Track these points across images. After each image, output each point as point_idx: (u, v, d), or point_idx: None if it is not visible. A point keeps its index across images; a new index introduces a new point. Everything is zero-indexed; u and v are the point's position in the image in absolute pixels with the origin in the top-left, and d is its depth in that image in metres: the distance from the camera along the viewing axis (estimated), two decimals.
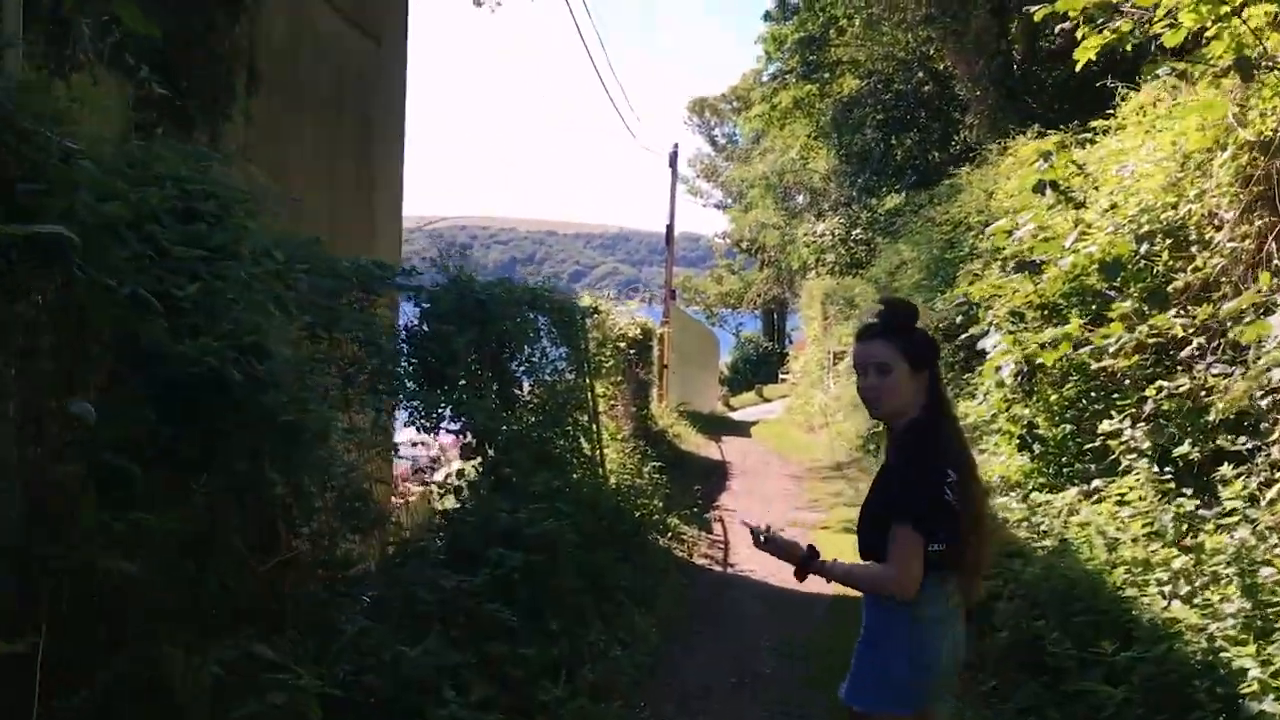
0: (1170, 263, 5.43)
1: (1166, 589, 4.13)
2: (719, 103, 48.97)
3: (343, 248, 6.10)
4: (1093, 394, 5.76)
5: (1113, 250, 5.52)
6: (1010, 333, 6.08)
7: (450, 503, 6.22)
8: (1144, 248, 5.55)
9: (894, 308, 3.00)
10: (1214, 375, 4.96)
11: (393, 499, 6.62)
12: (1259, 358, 4.78)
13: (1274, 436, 4.38)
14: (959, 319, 7.91)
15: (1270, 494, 4.08)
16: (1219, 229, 5.22)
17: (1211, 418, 4.85)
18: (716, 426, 22.56)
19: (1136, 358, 5.29)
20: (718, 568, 9.76)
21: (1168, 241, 5.46)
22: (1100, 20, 4.24)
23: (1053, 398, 6.15)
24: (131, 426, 2.48)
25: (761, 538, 3.01)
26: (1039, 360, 5.49)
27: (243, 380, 2.84)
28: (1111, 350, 5.26)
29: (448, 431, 6.83)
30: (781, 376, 36.78)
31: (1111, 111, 7.38)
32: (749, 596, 8.69)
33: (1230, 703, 3.42)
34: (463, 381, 6.85)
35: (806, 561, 2.87)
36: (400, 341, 5.86)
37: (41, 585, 2.32)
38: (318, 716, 3.09)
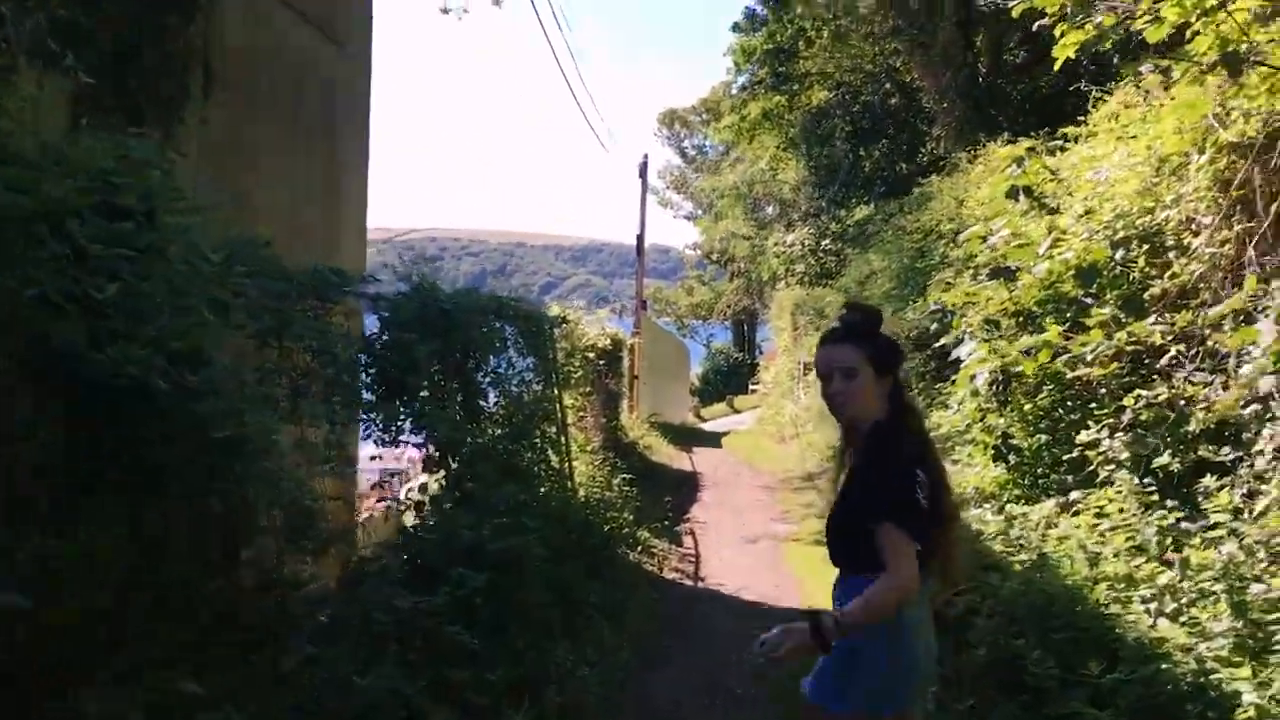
0: (1147, 269, 5.32)
1: (1152, 606, 3.98)
2: (689, 114, 49.02)
3: (304, 256, 5.88)
4: (1069, 403, 5.64)
5: (1088, 256, 5.40)
6: (985, 341, 5.95)
7: (413, 518, 6.00)
8: (1119, 254, 5.45)
9: (859, 312, 2.99)
10: (1193, 384, 4.84)
11: (357, 515, 6.40)
12: (1239, 365, 4.68)
13: (1257, 447, 4.26)
14: (933, 327, 7.78)
15: (1258, 506, 3.96)
16: (1197, 234, 5.12)
17: (1192, 427, 4.73)
18: (687, 437, 22.41)
19: (1114, 366, 5.17)
20: (688, 581, 9.57)
21: (1144, 248, 5.36)
22: (1080, 16, 4.12)
23: (1027, 407, 6.03)
24: (41, 442, 2.26)
25: (762, 655, 2.69)
26: (1018, 369, 5.36)
27: (170, 390, 2.63)
28: (1089, 359, 5.14)
29: (412, 445, 6.62)
30: (752, 387, 36.73)
31: (1082, 119, 7.30)
32: (720, 611, 8.51)
33: None
34: (425, 392, 6.64)
35: (818, 630, 2.62)
36: (358, 351, 5.63)
37: None
38: None
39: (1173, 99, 5.15)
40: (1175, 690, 3.48)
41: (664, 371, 25.94)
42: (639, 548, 9.78)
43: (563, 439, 9.64)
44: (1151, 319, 4.96)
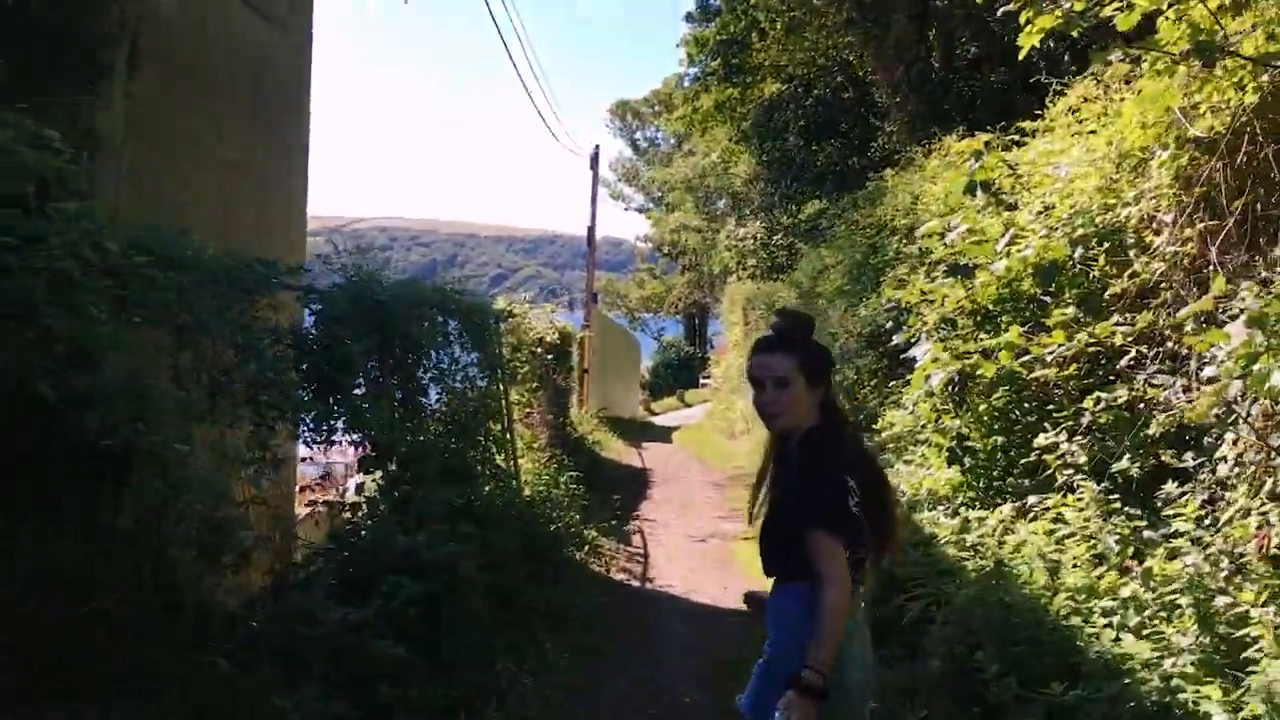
0: (1107, 268, 5.18)
1: (1115, 619, 3.82)
2: (641, 106, 48.75)
3: (240, 246, 5.56)
4: (1026, 405, 5.49)
5: (1048, 254, 5.25)
6: (941, 341, 5.78)
7: (346, 523, 5.71)
8: (1078, 252, 5.30)
9: (791, 319, 3.00)
10: (1154, 386, 4.70)
11: (291, 520, 6.09)
12: (1200, 368, 4.54)
13: (1220, 452, 4.12)
14: (887, 324, 7.61)
15: (1225, 515, 3.81)
16: (1158, 233, 4.98)
17: (1152, 431, 4.59)
18: (638, 433, 22.24)
19: (1073, 367, 5.02)
20: (636, 583, 9.36)
21: (1104, 246, 5.21)
22: (1047, 2, 3.95)
23: (982, 408, 5.87)
24: None
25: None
26: (979, 371, 5.19)
27: (56, 397, 2.34)
28: (1049, 360, 4.99)
29: (350, 445, 6.33)
30: (703, 381, 36.65)
31: (1039, 113, 7.17)
32: (670, 614, 8.31)
33: None
34: (360, 390, 6.35)
35: (809, 689, 2.55)
36: (287, 346, 5.33)
37: None
38: None
39: (1136, 93, 5.01)
40: (1140, 708, 3.32)
41: (614, 365, 25.73)
42: (586, 548, 9.55)
43: (508, 436, 9.37)
44: (1115, 319, 4.81)
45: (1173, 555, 3.94)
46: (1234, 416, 4.12)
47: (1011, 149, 6.74)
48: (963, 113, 16.17)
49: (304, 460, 5.76)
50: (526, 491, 9.37)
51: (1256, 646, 3.27)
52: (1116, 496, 4.39)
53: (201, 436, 4.41)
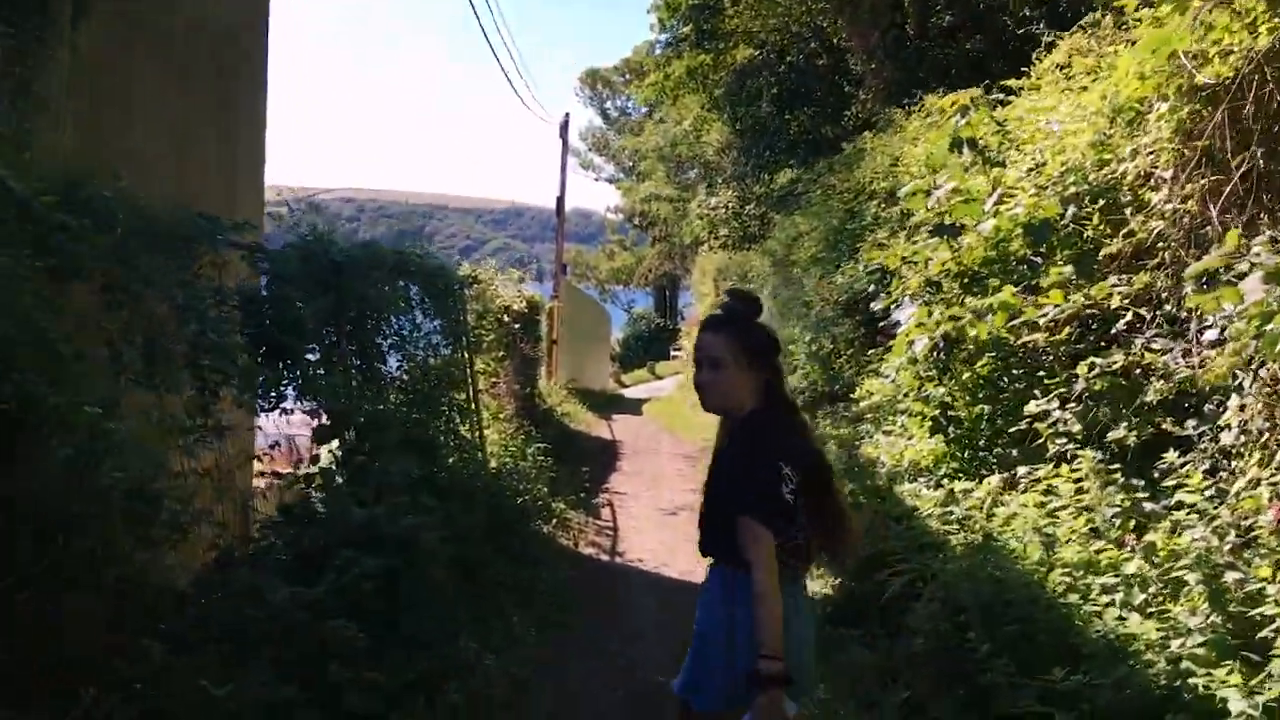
0: (1101, 227, 4.93)
1: (1117, 596, 3.59)
2: (612, 75, 48.15)
3: (194, 207, 5.20)
4: (1014, 372, 5.25)
5: (1039, 213, 4.99)
6: (925, 304, 5.52)
7: (296, 495, 5.39)
8: (1071, 211, 5.04)
9: (736, 301, 2.97)
10: (1152, 350, 4.47)
11: (253, 491, 5.76)
12: (1202, 330, 4.31)
13: (1224, 419, 3.89)
14: (869, 288, 7.35)
15: (1234, 486, 3.58)
16: (1156, 190, 4.73)
17: (1150, 398, 4.36)
18: (608, 404, 21.99)
19: (1066, 331, 4.78)
20: (605, 556, 9.10)
21: (1098, 204, 4.96)
22: None
23: (964, 375, 5.63)
24: None
25: None
26: (972, 333, 4.94)
27: None
28: (1042, 323, 4.74)
29: (302, 413, 6.00)
30: (673, 353, 36.44)
31: (1026, 70, 6.90)
32: (640, 588, 8.06)
33: None
34: (314, 355, 6.01)
35: (770, 680, 2.53)
36: (231, 308, 4.98)
37: None
38: None
39: (1131, 43, 4.74)
40: (1148, 695, 3.09)
41: (584, 337, 25.42)
42: (554, 521, 9.27)
43: (473, 406, 9.06)
44: (1113, 280, 4.56)
45: (1175, 528, 3.70)
46: (1238, 381, 3.89)
47: (996, 109, 6.48)
48: (938, 80, 15.91)
49: (250, 430, 5.43)
50: (492, 463, 9.08)
51: (1274, 626, 3.05)
52: (1117, 467, 4.15)
53: (138, 402, 4.08)
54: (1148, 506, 3.90)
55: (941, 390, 5.61)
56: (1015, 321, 5.13)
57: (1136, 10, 4.71)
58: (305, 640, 4.08)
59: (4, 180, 2.61)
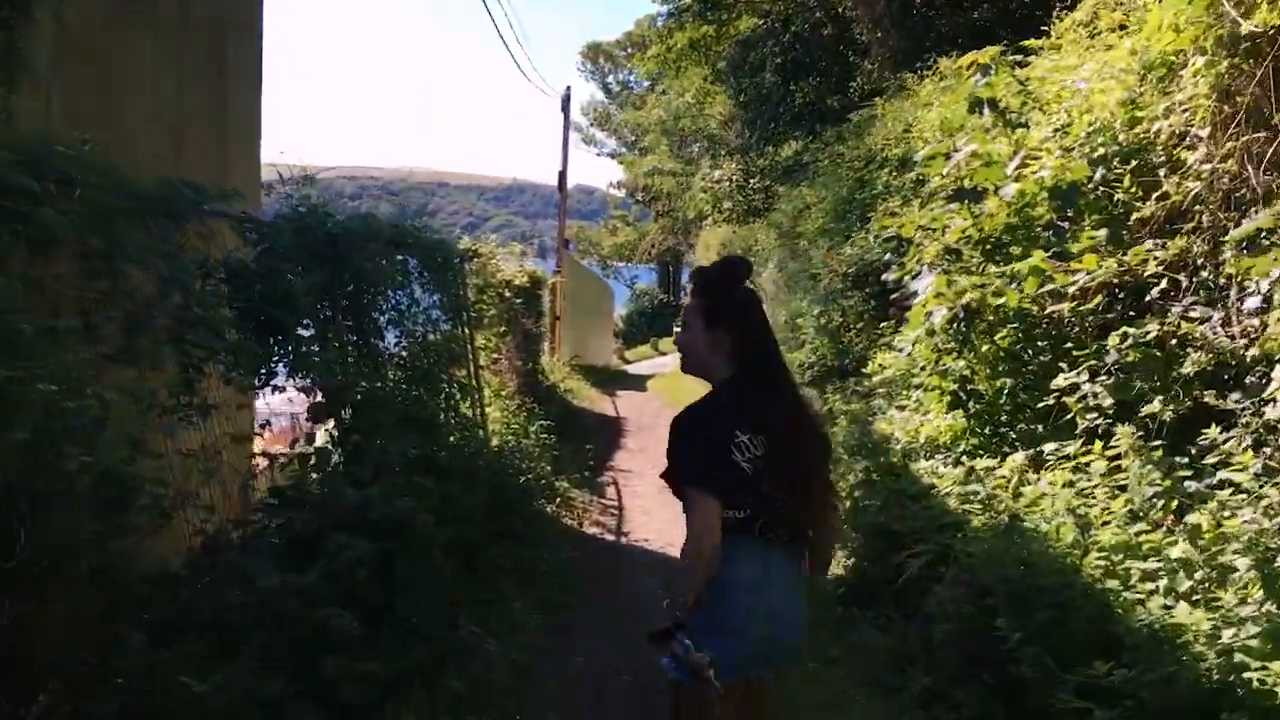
0: (1133, 190, 4.67)
1: (1161, 583, 3.36)
2: (614, 49, 47.70)
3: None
4: (1040, 343, 5.00)
5: (1066, 175, 4.73)
6: (945, 273, 5.27)
7: (288, 477, 5.17)
8: (1099, 173, 4.79)
9: (714, 264, 3.02)
10: (1188, 320, 4.22)
11: (254, 472, 5.53)
12: (1241, 298, 4.07)
13: (1270, 391, 3.65)
14: (886, 256, 7.08)
15: None
16: (1191, 150, 4.47)
17: (1187, 370, 4.12)
18: (611, 380, 21.77)
19: (1097, 300, 4.53)
20: (610, 536, 8.90)
21: (1129, 165, 4.70)
22: None
23: (984, 348, 5.38)
24: None
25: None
26: (1000, 301, 4.68)
27: None
28: (1073, 291, 4.49)
29: (297, 390, 5.78)
30: (676, 329, 36.14)
31: (1046, 29, 6.62)
32: (645, 569, 7.85)
33: None
34: (308, 331, 5.78)
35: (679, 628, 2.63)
36: (218, 281, 4.74)
37: None
38: None
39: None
40: (1199, 689, 2.86)
41: (587, 312, 25.18)
42: (557, 500, 9.06)
43: (475, 383, 8.83)
44: (1149, 244, 4.31)
45: (1222, 509, 3.47)
46: None
47: (1015, 69, 6.19)
48: (945, 49, 15.59)
49: (240, 408, 5.19)
50: (494, 441, 8.86)
51: None
52: (1159, 444, 3.91)
53: (117, 380, 3.85)
54: (1190, 486, 3.67)
55: (961, 363, 5.37)
56: (1040, 290, 4.88)
57: None
58: (297, 629, 3.87)
59: None
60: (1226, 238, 3.75)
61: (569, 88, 25.56)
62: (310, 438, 5.70)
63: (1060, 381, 4.55)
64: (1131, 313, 4.76)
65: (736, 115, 23.85)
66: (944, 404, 5.60)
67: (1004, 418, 5.23)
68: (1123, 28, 5.44)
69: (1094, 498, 3.99)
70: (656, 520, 9.26)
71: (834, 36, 20.52)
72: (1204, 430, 3.82)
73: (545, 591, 6.69)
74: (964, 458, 5.43)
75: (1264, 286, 3.77)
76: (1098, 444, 4.13)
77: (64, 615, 2.99)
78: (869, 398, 7.75)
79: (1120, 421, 4.31)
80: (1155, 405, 4.12)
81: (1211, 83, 4.31)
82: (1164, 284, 4.38)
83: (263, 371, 4.89)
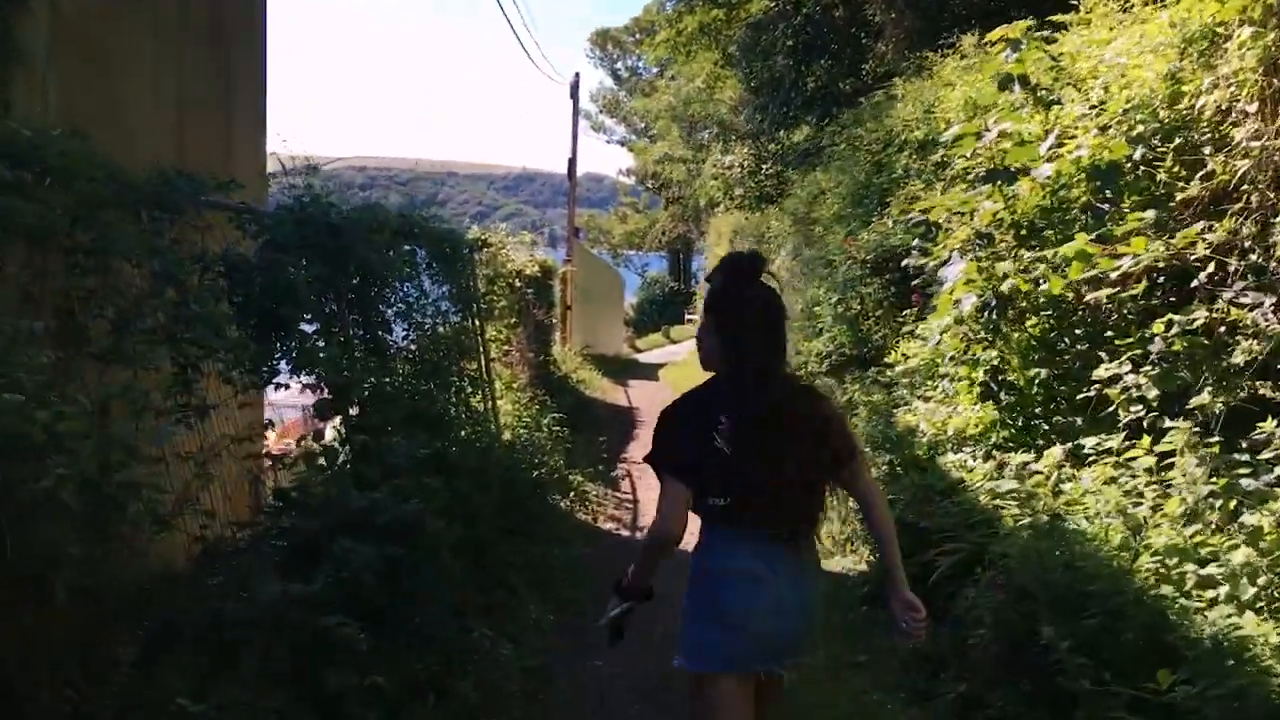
0: (1175, 169, 4.43)
1: (1222, 590, 3.14)
2: (622, 35, 47.33)
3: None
4: (1078, 331, 4.77)
5: (1105, 155, 4.49)
6: (976, 259, 5.03)
7: (290, 479, 4.98)
8: (1139, 152, 4.54)
9: (721, 259, 3.03)
10: (1238, 306, 3.99)
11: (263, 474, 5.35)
12: None
13: None
14: (913, 241, 6.82)
15: None
16: (1238, 126, 4.23)
17: (1237, 359, 3.89)
18: (623, 370, 21.58)
19: (1141, 285, 4.30)
20: (626, 532, 8.71)
21: (1171, 144, 4.45)
22: None
23: (1015, 336, 5.15)
24: None
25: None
26: (1043, 286, 4.44)
27: None
28: (1115, 276, 4.26)
29: (303, 387, 5.59)
30: (688, 317, 35.97)
31: (1075, 2, 6.35)
32: (663, 566, 7.66)
33: None
34: (313, 326, 5.59)
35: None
36: (216, 275, 4.55)
37: None
38: None
39: None
40: (1271, 707, 2.65)
41: (598, 301, 24.96)
42: (571, 494, 8.87)
43: (485, 376, 8.64)
44: (1199, 225, 4.07)
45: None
46: None
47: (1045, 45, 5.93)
48: (962, 30, 15.28)
49: (242, 407, 4.99)
50: (506, 435, 8.67)
51: None
52: (1217, 440, 3.68)
53: (113, 380, 3.66)
54: (1248, 484, 3.44)
55: (993, 353, 5.14)
56: (1089, 274, 4.64)
57: None
58: (299, 639, 3.69)
59: None
60: (1278, 218, 3.50)
61: (577, 74, 25.35)
62: (319, 435, 5.52)
63: (1101, 372, 4.31)
64: (1172, 299, 4.52)
65: (747, 100, 23.54)
66: (973, 395, 5.38)
67: (1037, 410, 4.99)
68: (1157, 0, 5.18)
69: (1142, 496, 3.76)
70: None
71: (846, 18, 20.19)
72: (1259, 424, 3.58)
73: (558, 590, 6.50)
74: (995, 451, 5.20)
75: None
76: (1145, 439, 3.90)
77: (49, 633, 2.80)
78: (891, 388, 7.52)
79: (1164, 415, 4.08)
80: (1204, 397, 3.89)
81: (1259, 55, 4.06)
82: (1211, 268, 4.14)
83: (264, 369, 4.68)
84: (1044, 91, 5.22)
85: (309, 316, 5.48)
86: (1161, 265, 4.22)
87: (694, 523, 2.89)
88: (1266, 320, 3.88)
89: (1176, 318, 4.08)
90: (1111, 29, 5.59)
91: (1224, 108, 4.37)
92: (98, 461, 2.86)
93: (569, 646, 5.76)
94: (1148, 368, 4.14)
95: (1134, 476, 3.94)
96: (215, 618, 3.58)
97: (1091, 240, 4.32)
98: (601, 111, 47.75)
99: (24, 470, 2.39)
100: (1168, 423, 3.93)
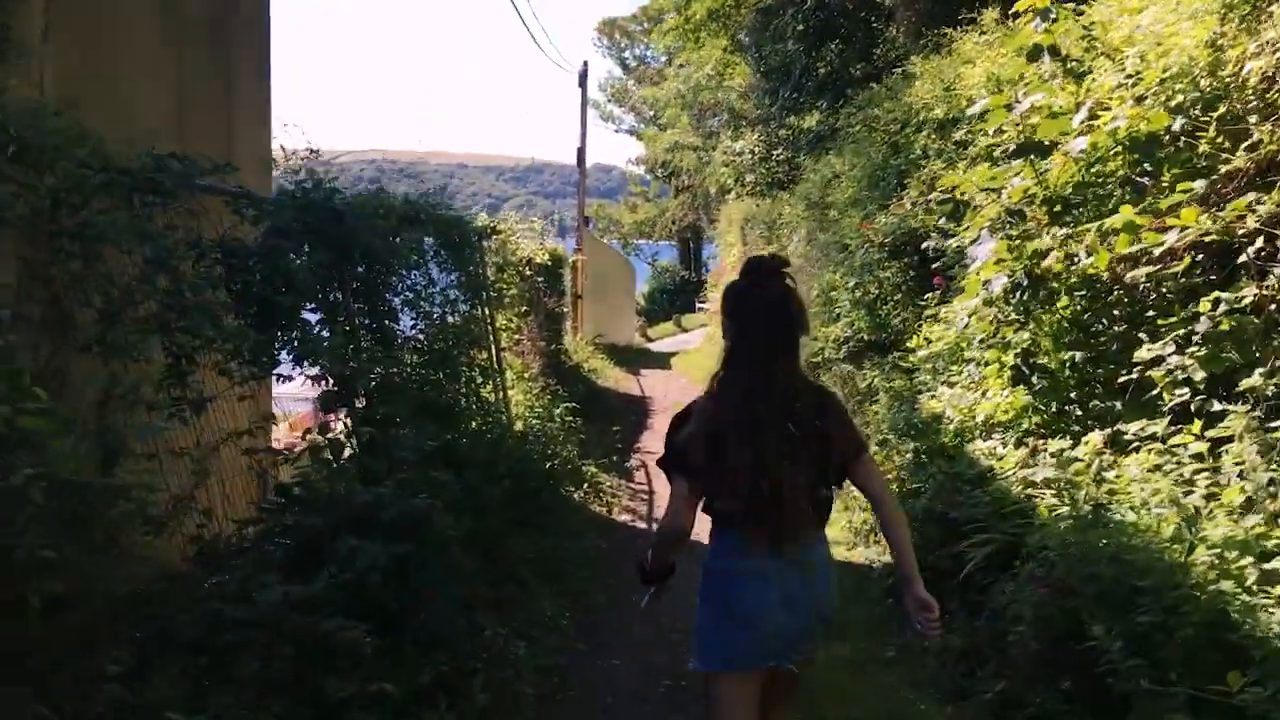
0: (1218, 140, 4.19)
1: None
2: (629, 24, 47.00)
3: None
4: (1115, 312, 4.54)
5: (1144, 125, 4.26)
6: (1008, 237, 4.80)
7: (292, 474, 4.78)
8: (1179, 123, 4.31)
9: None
10: None
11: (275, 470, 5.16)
12: None
13: None
14: (940, 220, 6.58)
15: None
16: None
17: None
18: (635, 359, 21.38)
19: (1185, 261, 4.07)
20: (642, 524, 8.51)
21: (1214, 113, 4.21)
22: None
23: (1050, 318, 4.92)
24: None
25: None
26: (1074, 264, 4.20)
27: None
28: (1160, 252, 4.03)
29: (307, 379, 5.40)
30: (699, 306, 35.74)
31: None
32: (679, 559, 7.47)
33: None
34: (316, 314, 5.40)
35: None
36: (213, 262, 4.35)
37: None
38: None
39: None
40: None
41: (609, 291, 24.76)
42: (585, 486, 8.67)
43: (496, 366, 8.45)
44: (1250, 197, 3.83)
45: None
46: None
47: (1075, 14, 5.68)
48: (972, 11, 15.00)
49: (242, 400, 4.81)
50: (518, 426, 8.48)
51: None
52: (1278, 425, 3.45)
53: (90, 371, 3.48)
54: None
55: (1024, 335, 4.92)
56: (1128, 250, 4.42)
57: None
58: (301, 644, 3.50)
59: None
60: None
61: (585, 63, 25.13)
62: (325, 428, 5.32)
63: (1143, 354, 4.08)
64: (1212, 277, 4.29)
65: (757, 86, 23.27)
66: (1003, 379, 5.15)
67: (1071, 394, 4.77)
68: None
69: (1194, 484, 3.54)
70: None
71: (857, 2, 19.91)
72: None
73: (572, 584, 6.31)
74: (1026, 438, 4.99)
75: None
76: (1196, 423, 3.67)
77: (27, 644, 2.62)
78: (912, 374, 7.30)
79: (1211, 397, 3.86)
80: (1255, 379, 3.66)
81: None
82: (1259, 242, 3.91)
83: (264, 360, 4.48)
84: (1074, 63, 4.98)
85: (312, 305, 5.29)
86: (1208, 241, 3.98)
87: (706, 522, 2.97)
88: None
89: (1224, 295, 3.85)
90: None
91: (1270, 74, 4.13)
92: (76, 460, 2.67)
93: (585, 643, 5.58)
94: (1193, 348, 3.91)
95: (1180, 464, 3.72)
96: (212, 622, 3.39)
97: (1137, 213, 4.09)
98: (610, 101, 47.45)
99: None
100: (1216, 406, 3.71)
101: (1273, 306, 3.80)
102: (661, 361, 22.45)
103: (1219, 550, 3.11)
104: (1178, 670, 2.96)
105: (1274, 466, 3.26)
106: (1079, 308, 4.85)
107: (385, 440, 5.35)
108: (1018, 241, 4.76)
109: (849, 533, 7.25)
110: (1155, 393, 4.05)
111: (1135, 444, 4.02)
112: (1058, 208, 4.66)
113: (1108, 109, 4.60)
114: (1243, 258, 3.90)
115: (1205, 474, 3.51)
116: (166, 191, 4.14)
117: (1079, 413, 4.83)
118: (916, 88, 8.80)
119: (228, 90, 6.42)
